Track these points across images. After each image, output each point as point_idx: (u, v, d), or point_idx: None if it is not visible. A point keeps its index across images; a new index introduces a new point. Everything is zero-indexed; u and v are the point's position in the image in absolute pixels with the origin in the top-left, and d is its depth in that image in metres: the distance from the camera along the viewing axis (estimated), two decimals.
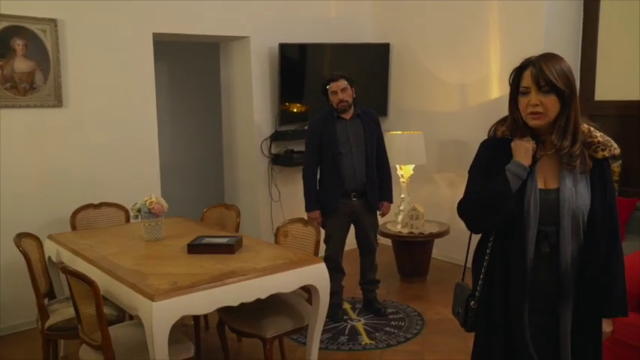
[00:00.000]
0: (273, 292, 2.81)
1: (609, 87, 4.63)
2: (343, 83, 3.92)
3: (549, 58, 1.75)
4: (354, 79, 4.00)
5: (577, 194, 1.77)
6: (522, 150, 1.79)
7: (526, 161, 1.78)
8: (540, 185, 1.81)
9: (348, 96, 3.93)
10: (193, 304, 2.55)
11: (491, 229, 1.89)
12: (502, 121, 1.90)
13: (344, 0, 5.70)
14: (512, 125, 1.84)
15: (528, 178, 1.79)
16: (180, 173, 6.31)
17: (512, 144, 1.82)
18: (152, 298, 2.44)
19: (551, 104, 1.72)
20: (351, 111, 4.00)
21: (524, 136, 1.81)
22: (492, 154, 1.87)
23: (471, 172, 1.94)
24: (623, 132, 4.22)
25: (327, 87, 3.96)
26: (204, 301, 2.58)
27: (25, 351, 3.76)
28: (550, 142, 1.81)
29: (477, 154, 1.94)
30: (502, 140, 1.87)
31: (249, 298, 2.72)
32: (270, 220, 5.31)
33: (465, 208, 1.89)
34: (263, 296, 2.76)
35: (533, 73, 1.72)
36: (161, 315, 2.43)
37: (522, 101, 1.77)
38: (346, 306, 4.39)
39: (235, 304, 2.68)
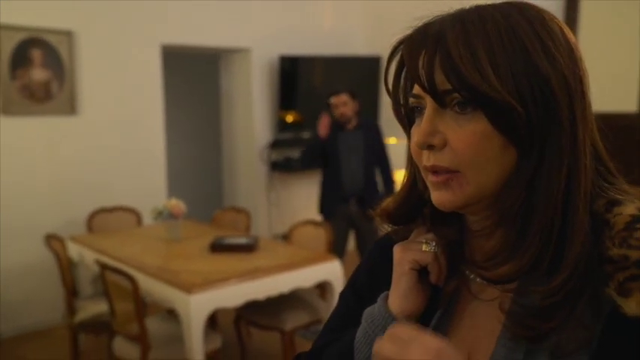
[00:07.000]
0: (295, 286, 3.05)
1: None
2: (344, 98, 4.19)
3: (472, 18, 0.65)
4: (355, 93, 4.27)
5: None
6: (401, 272, 0.73)
7: (400, 303, 0.73)
8: None
9: (348, 109, 4.20)
10: (225, 297, 2.78)
11: None
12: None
13: (338, 13, 5.99)
14: (405, 196, 0.76)
15: None
16: (181, 179, 6.49)
17: (395, 250, 0.75)
18: (189, 291, 2.66)
19: (474, 145, 0.63)
20: (354, 122, 4.27)
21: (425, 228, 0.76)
22: (377, 270, 0.82)
23: (340, 296, 0.89)
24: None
25: (330, 101, 4.24)
26: (234, 295, 2.81)
27: (45, 348, 3.92)
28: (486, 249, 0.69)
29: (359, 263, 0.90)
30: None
31: (274, 292, 2.95)
32: (269, 224, 5.54)
33: None
34: (286, 290, 3.00)
35: (423, 66, 0.65)
36: (197, 307, 2.65)
37: (413, 135, 0.69)
38: None
39: (262, 297, 2.92)
